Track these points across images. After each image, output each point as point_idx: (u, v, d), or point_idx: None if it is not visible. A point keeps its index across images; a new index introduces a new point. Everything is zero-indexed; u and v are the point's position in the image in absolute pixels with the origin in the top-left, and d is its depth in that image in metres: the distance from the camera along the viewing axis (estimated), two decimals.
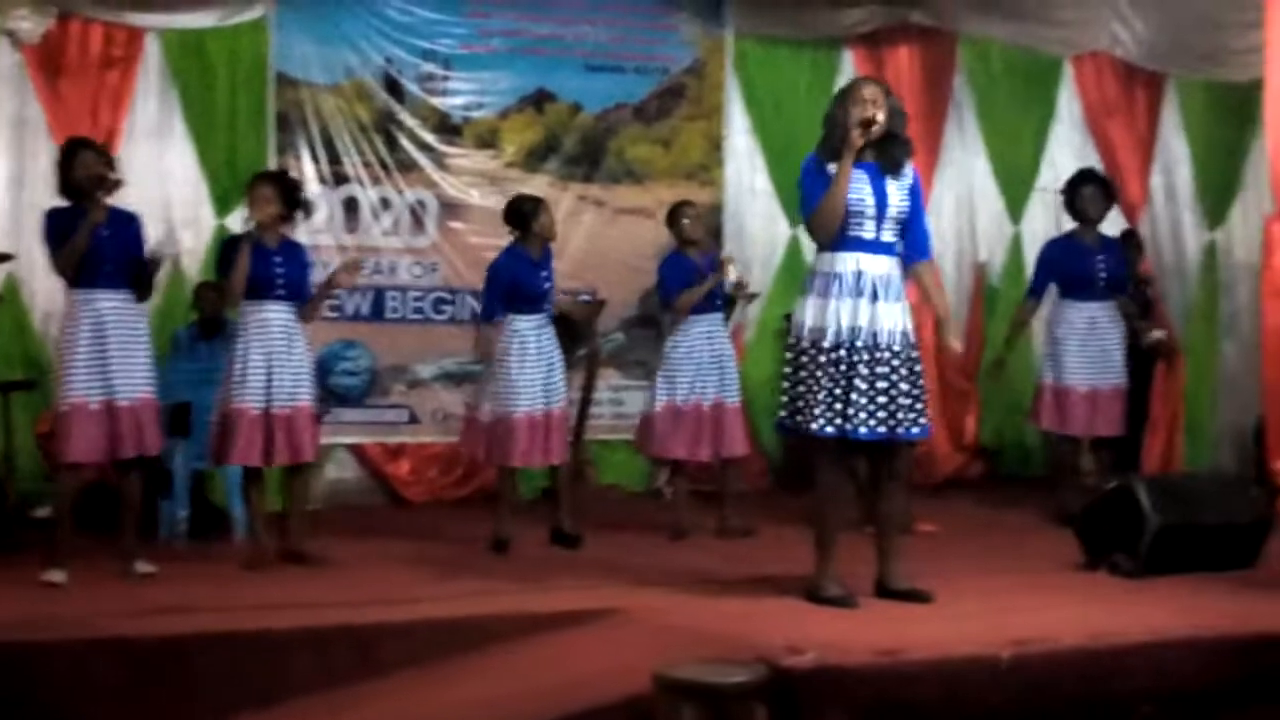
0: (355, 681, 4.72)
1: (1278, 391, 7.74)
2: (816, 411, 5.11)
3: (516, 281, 6.97)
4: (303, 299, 6.55)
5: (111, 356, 5.97)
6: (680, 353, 7.28)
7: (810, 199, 5.19)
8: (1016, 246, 9.93)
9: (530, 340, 6.93)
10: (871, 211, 5.16)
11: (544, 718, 4.16)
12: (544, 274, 7.02)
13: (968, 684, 4.19)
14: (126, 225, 6.15)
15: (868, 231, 5.17)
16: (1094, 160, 9.70)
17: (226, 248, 6.57)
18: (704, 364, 7.28)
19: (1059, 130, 10.08)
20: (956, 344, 5.66)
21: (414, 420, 8.98)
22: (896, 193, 5.23)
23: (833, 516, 5.25)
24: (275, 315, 6.43)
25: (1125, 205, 9.92)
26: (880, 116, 5.15)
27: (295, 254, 6.58)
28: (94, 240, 5.94)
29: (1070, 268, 7.71)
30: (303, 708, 4.61)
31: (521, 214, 7.10)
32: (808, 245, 9.33)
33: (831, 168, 5.18)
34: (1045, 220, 9.92)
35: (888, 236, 5.22)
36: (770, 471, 9.40)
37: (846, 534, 5.40)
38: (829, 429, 5.12)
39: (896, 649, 4.25)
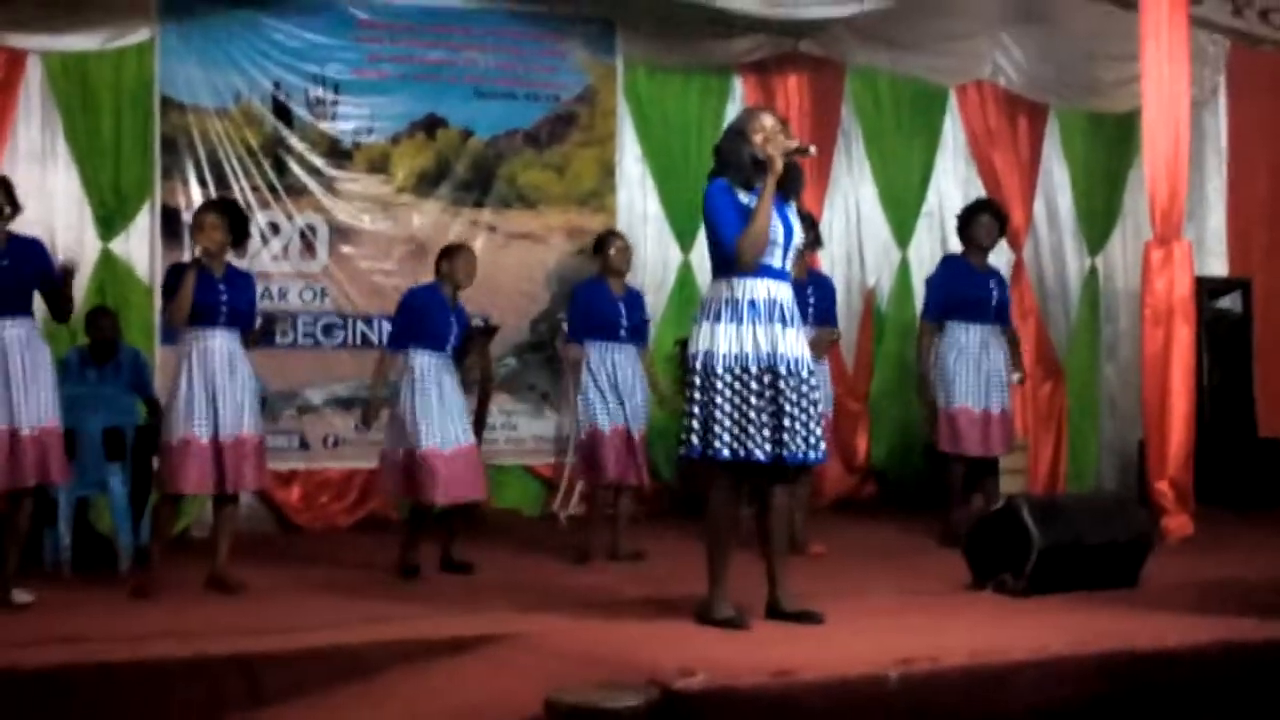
0: (242, 711, 4.64)
1: (1158, 414, 7.93)
2: (755, 438, 5.10)
3: (423, 316, 6.94)
4: (247, 327, 6.52)
5: (13, 385, 5.84)
6: (602, 378, 7.29)
7: (729, 225, 5.19)
8: (904, 271, 10.09)
9: (435, 375, 6.88)
10: (780, 240, 5.23)
11: None
12: (452, 318, 6.98)
13: (856, 703, 4.23)
14: (27, 251, 6.03)
15: (776, 259, 5.24)
16: (978, 187, 9.91)
17: (170, 275, 6.51)
18: (621, 391, 7.29)
19: (944, 158, 10.27)
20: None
21: (304, 446, 8.89)
22: (796, 222, 5.34)
23: (728, 539, 5.27)
24: (219, 343, 6.37)
25: (1009, 231, 10.11)
26: (812, 148, 5.31)
27: (240, 282, 6.53)
28: None
29: (965, 291, 7.83)
30: None
31: (442, 256, 7.12)
32: (700, 271, 9.50)
33: (743, 196, 5.23)
34: (931, 245, 10.10)
35: (788, 265, 5.31)
36: (665, 495, 9.43)
37: (742, 555, 5.43)
38: (760, 454, 5.11)
39: (786, 669, 4.27)
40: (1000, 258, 9.91)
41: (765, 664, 4.34)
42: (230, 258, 6.56)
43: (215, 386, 6.34)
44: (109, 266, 8.41)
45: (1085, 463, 10.40)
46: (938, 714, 4.32)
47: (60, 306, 6.16)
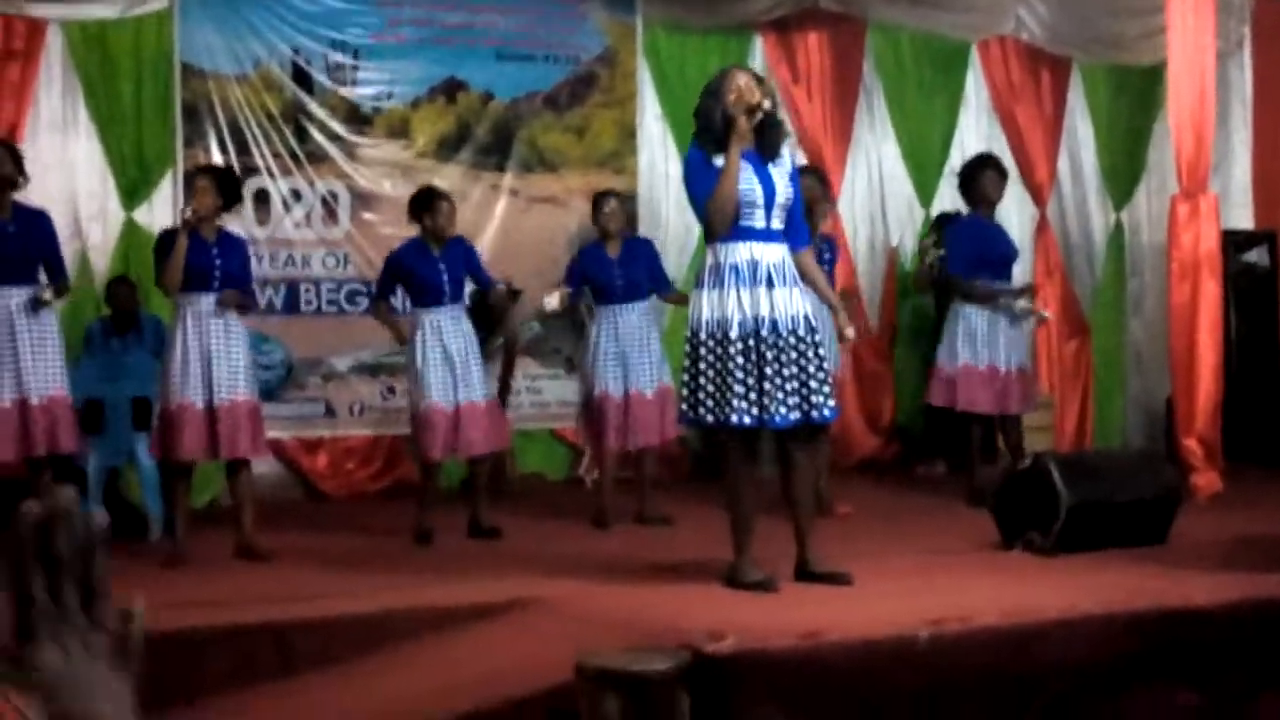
0: (273, 679, 4.67)
1: (1186, 369, 7.88)
2: (733, 402, 5.10)
3: (410, 271, 6.94)
4: (241, 291, 6.50)
5: (21, 354, 5.87)
6: (601, 342, 7.27)
7: (701, 193, 5.19)
8: (927, 229, 10.03)
9: (435, 333, 6.88)
10: (760, 200, 5.16)
11: (465, 711, 4.15)
12: (441, 267, 6.96)
13: (886, 664, 4.24)
14: (34, 221, 6.05)
15: (758, 221, 5.17)
16: (1001, 143, 9.84)
17: (163, 240, 6.49)
18: (625, 352, 7.26)
19: (967, 114, 10.20)
20: (849, 331, 5.65)
21: (330, 413, 8.91)
22: (781, 179, 5.24)
23: (746, 503, 5.25)
24: (212, 307, 6.36)
25: (1033, 187, 10.09)
26: (766, 102, 5.18)
27: (233, 246, 6.53)
28: (1, 237, 5.84)
29: (987, 248, 7.77)
30: (220, 706, 4.57)
31: (413, 207, 7.08)
32: None
33: (718, 160, 5.17)
34: (955, 203, 10.03)
35: (776, 224, 5.23)
36: (690, 457, 9.43)
37: (767, 519, 5.43)
38: (745, 419, 5.11)
39: (816, 631, 4.28)
40: (1025, 214, 9.89)
41: (794, 626, 4.35)
42: (224, 223, 6.56)
43: (210, 351, 6.32)
44: (132, 235, 8.42)
45: (1112, 420, 10.37)
46: (968, 674, 4.32)
47: (57, 281, 6.17)
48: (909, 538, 6.67)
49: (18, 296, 5.93)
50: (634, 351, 7.26)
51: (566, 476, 9.28)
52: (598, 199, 7.53)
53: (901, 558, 6.00)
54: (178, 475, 6.46)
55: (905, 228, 10.14)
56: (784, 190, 5.23)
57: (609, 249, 7.37)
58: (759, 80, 5.30)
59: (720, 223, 5.13)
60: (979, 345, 7.67)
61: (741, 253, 5.16)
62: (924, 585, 5.25)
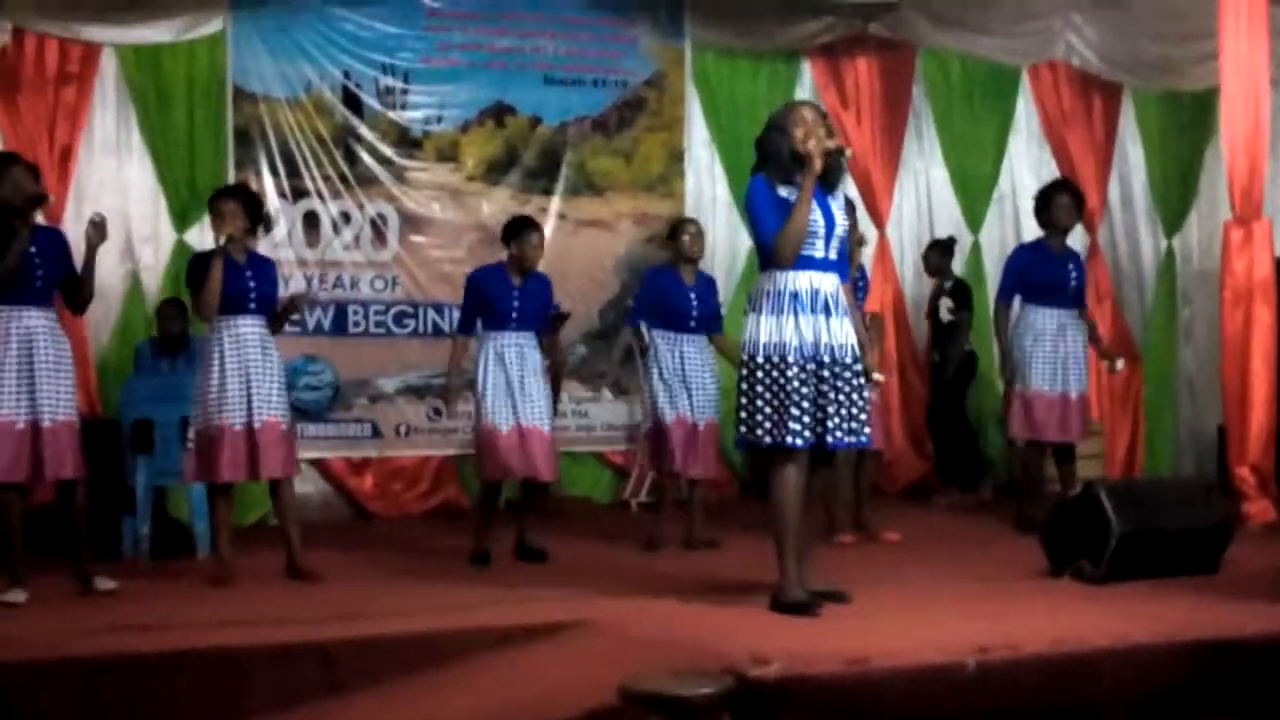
0: (319, 699, 4.68)
1: (1239, 397, 7.81)
2: (790, 424, 5.16)
3: (485, 295, 6.97)
4: (272, 312, 6.53)
5: (37, 376, 5.87)
6: (669, 368, 7.27)
7: (768, 222, 5.27)
8: (976, 255, 9.99)
9: (498, 356, 6.89)
10: (822, 231, 5.27)
11: None
12: (515, 294, 6.97)
13: (933, 692, 4.20)
14: (53, 242, 6.07)
15: (818, 250, 5.28)
16: (1051, 169, 9.79)
17: (194, 264, 6.53)
18: (690, 380, 7.26)
19: (1017, 140, 10.16)
20: (879, 375, 5.71)
21: (377, 434, 8.94)
22: (839, 212, 5.38)
23: (793, 524, 5.26)
24: (250, 329, 6.40)
25: (1084, 213, 10.00)
26: (844, 145, 5.34)
27: (263, 267, 6.57)
28: (22, 258, 5.85)
29: (1042, 275, 7.72)
30: None
31: (505, 233, 7.13)
32: None
33: (783, 190, 5.27)
34: (1003, 229, 10.00)
35: (833, 255, 5.34)
36: (736, 481, 9.41)
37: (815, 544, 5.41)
38: (799, 440, 5.17)
39: (862, 657, 4.25)
40: (1075, 240, 9.82)
41: (840, 652, 4.32)
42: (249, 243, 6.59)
43: (250, 373, 6.36)
44: (183, 257, 8.44)
45: (1163, 448, 10.26)
46: (1016, 703, 4.28)
47: (77, 298, 6.15)
48: (957, 564, 6.61)
49: (38, 318, 5.92)
50: (697, 381, 7.27)
51: (612, 500, 9.27)
52: (676, 225, 7.59)
53: (949, 584, 5.95)
54: (220, 494, 6.49)
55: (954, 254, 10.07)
56: (841, 222, 5.38)
57: (684, 275, 7.36)
58: (824, 116, 5.43)
59: (790, 255, 5.23)
60: (1046, 371, 7.63)
61: (802, 281, 5.26)
62: (972, 612, 5.21)
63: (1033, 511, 7.34)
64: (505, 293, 6.96)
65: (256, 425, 6.34)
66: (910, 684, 4.19)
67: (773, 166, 5.32)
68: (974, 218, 10.02)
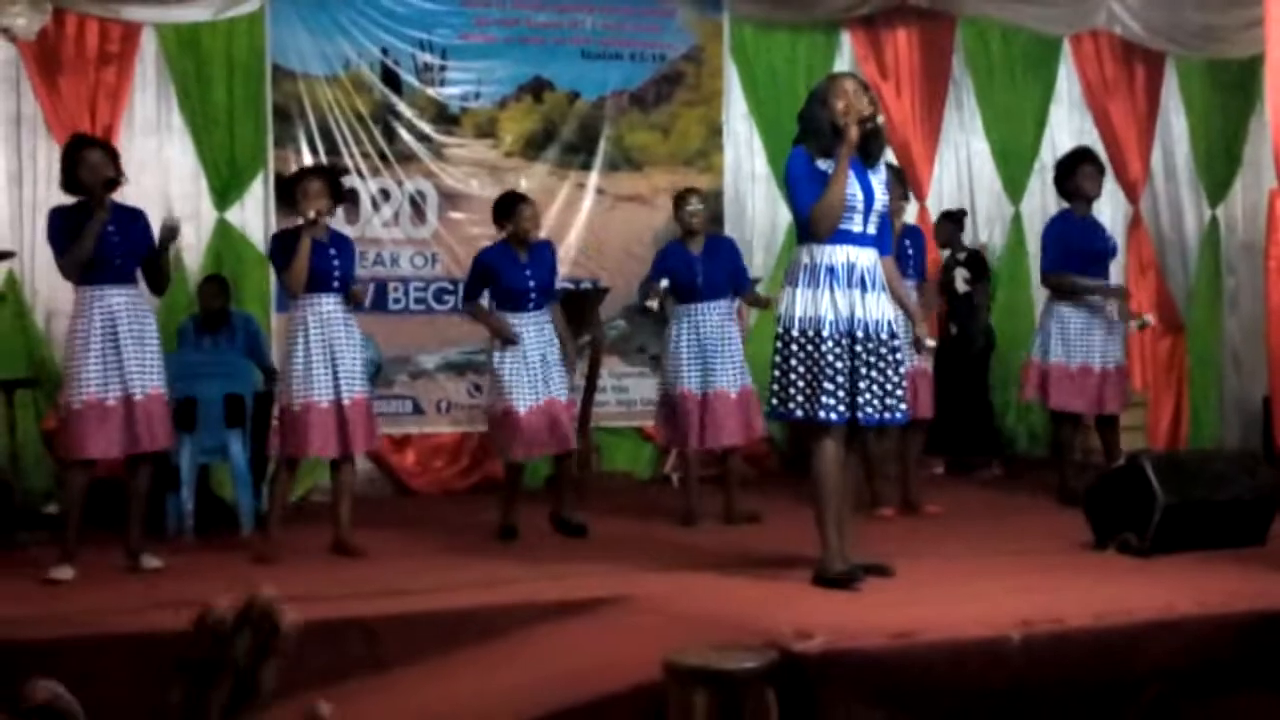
0: (364, 674, 4.70)
1: None
2: (824, 399, 5.15)
3: (496, 274, 6.94)
4: (349, 290, 6.56)
5: (124, 352, 5.96)
6: (682, 341, 7.23)
7: (806, 195, 5.23)
8: (1017, 226, 9.94)
9: (519, 336, 6.88)
10: (860, 205, 5.23)
11: (552, 707, 4.15)
12: (527, 273, 6.93)
13: (978, 665, 4.19)
14: (133, 221, 6.13)
15: (856, 225, 5.24)
16: (1094, 139, 9.71)
17: (279, 242, 6.56)
18: (707, 353, 7.22)
19: (1058, 109, 10.08)
20: (930, 341, 5.68)
21: (418, 411, 8.98)
22: (879, 186, 5.32)
23: (834, 498, 5.25)
24: (333, 307, 6.46)
25: (1126, 183, 9.94)
26: (879, 115, 5.26)
27: (344, 246, 6.62)
28: (101, 238, 5.92)
29: (1082, 244, 7.63)
30: (311, 701, 4.60)
31: (496, 214, 7.09)
32: None
33: (822, 163, 5.23)
34: (1045, 199, 9.92)
35: (871, 229, 5.29)
36: (776, 455, 9.40)
37: (857, 516, 5.40)
38: (833, 415, 5.15)
39: (906, 631, 4.24)
40: (1117, 210, 9.75)
41: (884, 625, 4.31)
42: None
43: (335, 351, 6.42)
44: (224, 236, 8.53)
45: (1207, 419, 10.19)
46: (1061, 676, 4.26)
47: (156, 278, 6.24)
48: (999, 538, 6.58)
49: (120, 296, 6.00)
50: (715, 351, 7.21)
51: (653, 474, 9.28)
52: (679, 196, 7.48)
53: (992, 558, 5.93)
54: (286, 470, 6.56)
55: (995, 224, 10.04)
56: (881, 197, 5.32)
57: (691, 246, 7.32)
58: (865, 88, 5.36)
59: (826, 228, 5.20)
60: (1073, 344, 7.56)
61: (839, 255, 5.22)
62: (1016, 585, 5.18)
63: (1072, 484, 7.30)
64: (517, 271, 6.91)
65: (345, 402, 6.40)
66: (954, 657, 4.18)
67: (812, 139, 5.28)
68: (1015, 188, 9.96)
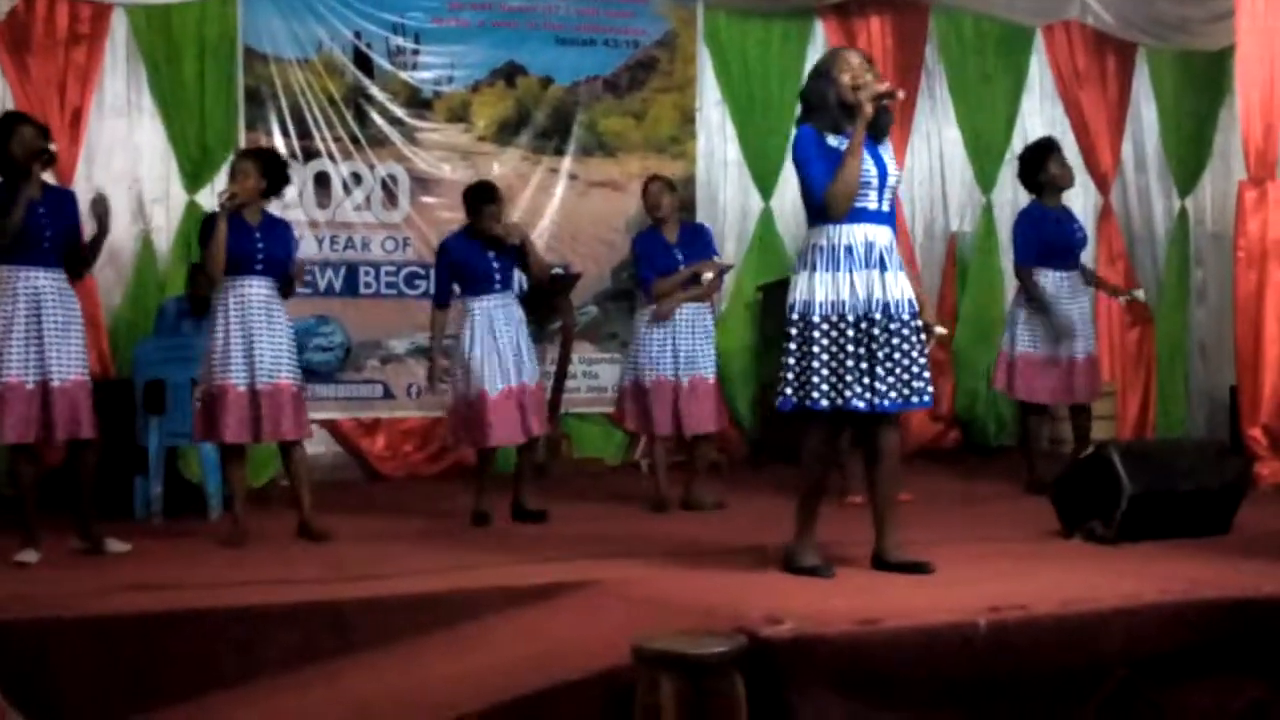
0: (331, 657, 4.69)
1: (1251, 358, 7.80)
2: (853, 386, 5.00)
3: (461, 262, 6.90)
4: (284, 274, 6.49)
5: (47, 338, 5.86)
6: (657, 329, 7.22)
7: (818, 174, 5.04)
8: (988, 216, 9.97)
9: (486, 322, 6.86)
10: (875, 181, 5.06)
11: (521, 692, 4.15)
12: (490, 254, 6.89)
13: (945, 651, 4.20)
14: (64, 202, 6.06)
15: (871, 202, 5.07)
16: (1065, 129, 9.74)
17: (205, 224, 6.50)
18: (679, 340, 7.22)
19: (1030, 100, 10.11)
20: (940, 329, 5.45)
21: (388, 395, 8.96)
22: (889, 160, 5.17)
23: (819, 488, 5.20)
24: (255, 291, 6.37)
25: (1097, 174, 9.98)
26: (895, 87, 5.11)
27: (275, 229, 6.53)
28: (30, 216, 5.83)
29: (1053, 236, 7.65)
30: (277, 685, 4.59)
31: (465, 204, 7.05)
32: (781, 217, 9.44)
33: (832, 140, 5.08)
34: (1016, 190, 9.92)
35: (885, 206, 5.13)
36: (746, 443, 9.41)
37: (827, 504, 5.40)
38: (858, 403, 5.01)
39: (874, 618, 4.24)
40: (1088, 200, 9.79)
41: (852, 612, 4.32)
42: (270, 206, 6.57)
43: (252, 334, 6.33)
44: (195, 218, 8.45)
45: (1175, 409, 10.25)
46: (1028, 662, 4.28)
47: (81, 262, 6.12)
48: (968, 525, 6.61)
49: (46, 278, 5.90)
50: (690, 339, 7.22)
51: (623, 461, 9.28)
52: (646, 184, 7.49)
53: (961, 545, 5.94)
54: (232, 455, 6.49)
55: (966, 213, 10.07)
56: (893, 171, 5.17)
57: (666, 233, 7.32)
58: (869, 61, 5.20)
59: (843, 208, 5.02)
60: (1041, 334, 7.58)
61: (856, 234, 5.05)
62: (983, 573, 5.20)
63: (1039, 474, 7.34)
64: (481, 258, 6.89)
65: (260, 387, 6.32)
66: (922, 643, 4.19)
67: (820, 115, 5.10)
68: (986, 178, 9.99)
